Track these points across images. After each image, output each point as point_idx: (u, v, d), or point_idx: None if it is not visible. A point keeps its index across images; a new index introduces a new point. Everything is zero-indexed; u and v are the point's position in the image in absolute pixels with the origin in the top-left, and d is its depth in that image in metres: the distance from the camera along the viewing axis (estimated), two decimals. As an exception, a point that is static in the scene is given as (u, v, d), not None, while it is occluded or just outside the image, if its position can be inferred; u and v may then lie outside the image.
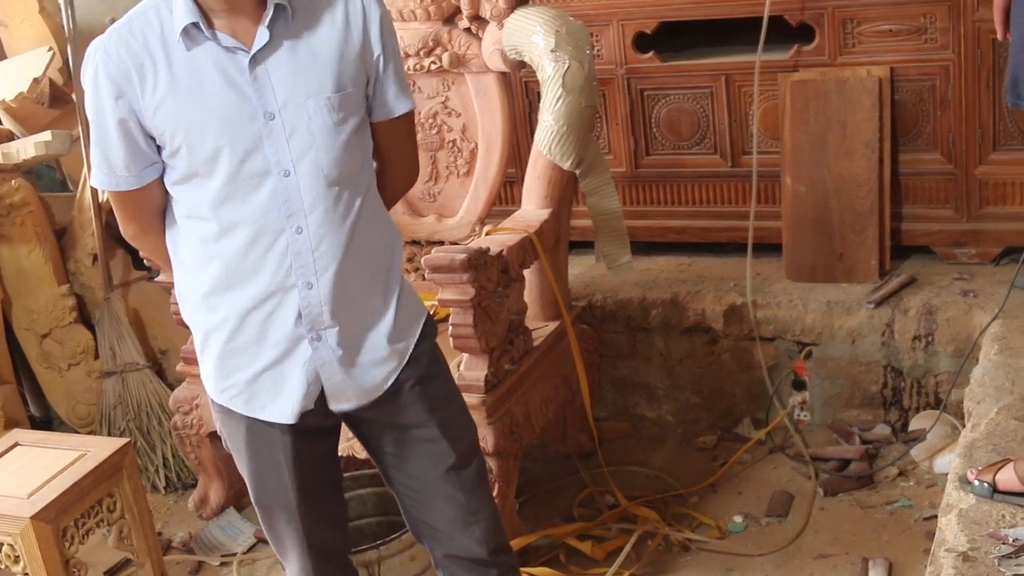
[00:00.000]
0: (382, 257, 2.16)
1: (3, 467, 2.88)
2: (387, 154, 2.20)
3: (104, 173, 2.05)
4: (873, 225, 3.75)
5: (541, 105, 3.35)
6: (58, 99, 4.49)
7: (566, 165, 3.34)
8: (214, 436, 3.50)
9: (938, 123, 3.76)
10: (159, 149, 2.03)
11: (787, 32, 3.83)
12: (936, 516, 2.97)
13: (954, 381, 3.45)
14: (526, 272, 3.28)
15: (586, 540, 3.28)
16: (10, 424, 3.83)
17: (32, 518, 2.63)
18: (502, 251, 3.09)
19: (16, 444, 2.97)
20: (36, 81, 4.13)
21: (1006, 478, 2.43)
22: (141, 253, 2.29)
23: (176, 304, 2.46)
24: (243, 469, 2.25)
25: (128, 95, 1.96)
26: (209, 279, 2.07)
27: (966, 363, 3.39)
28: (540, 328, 3.39)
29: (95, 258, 4.21)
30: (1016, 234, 3.68)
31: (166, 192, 2.09)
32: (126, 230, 2.17)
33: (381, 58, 2.09)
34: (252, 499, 2.28)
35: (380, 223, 2.17)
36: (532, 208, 3.40)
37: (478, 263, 2.94)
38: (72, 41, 4.15)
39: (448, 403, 2.27)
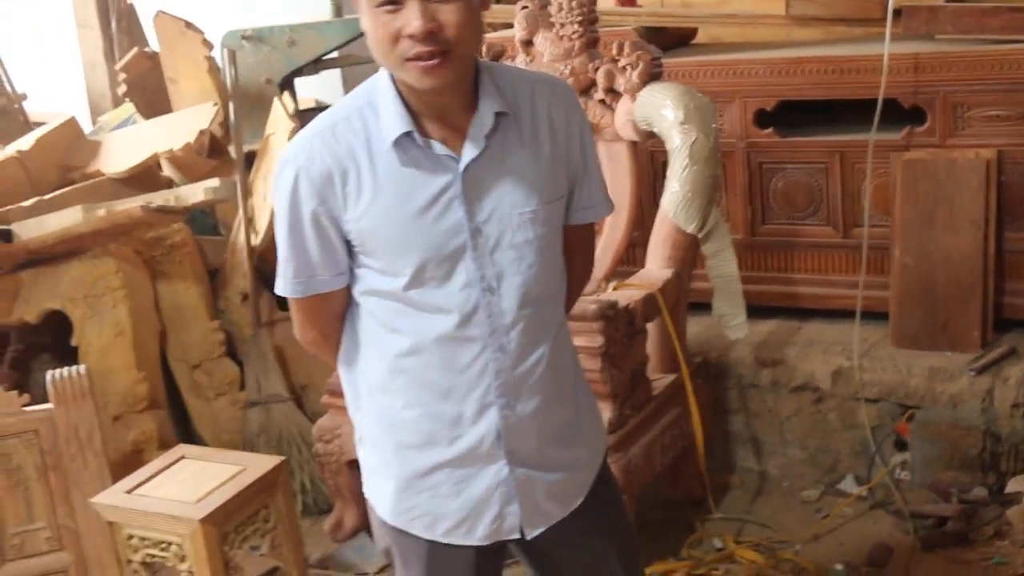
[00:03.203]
0: (573, 366, 2.14)
1: (171, 476, 3.18)
2: (575, 255, 2.15)
3: (294, 279, 1.98)
4: (977, 297, 3.94)
5: (668, 173, 3.63)
6: (215, 151, 4.89)
7: (690, 229, 3.61)
8: (352, 464, 3.77)
9: (1041, 204, 3.97)
10: (352, 256, 1.98)
11: (900, 113, 4.06)
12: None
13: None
14: (649, 326, 3.55)
15: (695, 578, 3.51)
16: (163, 446, 4.17)
17: (201, 521, 2.92)
18: (629, 305, 3.37)
19: (182, 457, 3.28)
20: (202, 133, 4.50)
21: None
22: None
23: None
24: None
25: (329, 201, 1.90)
26: (398, 393, 2.01)
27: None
28: (659, 380, 3.66)
29: (244, 297, 4.55)
30: (1114, 312, 3.87)
31: (350, 302, 2.04)
32: (305, 335, 2.11)
33: (584, 167, 2.06)
34: None
35: (568, 331, 2.13)
36: (656, 268, 3.67)
37: (608, 314, 3.23)
38: (234, 98, 4.55)
39: (624, 524, 2.30)
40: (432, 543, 2.10)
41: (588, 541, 2.17)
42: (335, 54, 5.39)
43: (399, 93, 1.89)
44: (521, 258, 1.95)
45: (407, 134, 1.87)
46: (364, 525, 3.93)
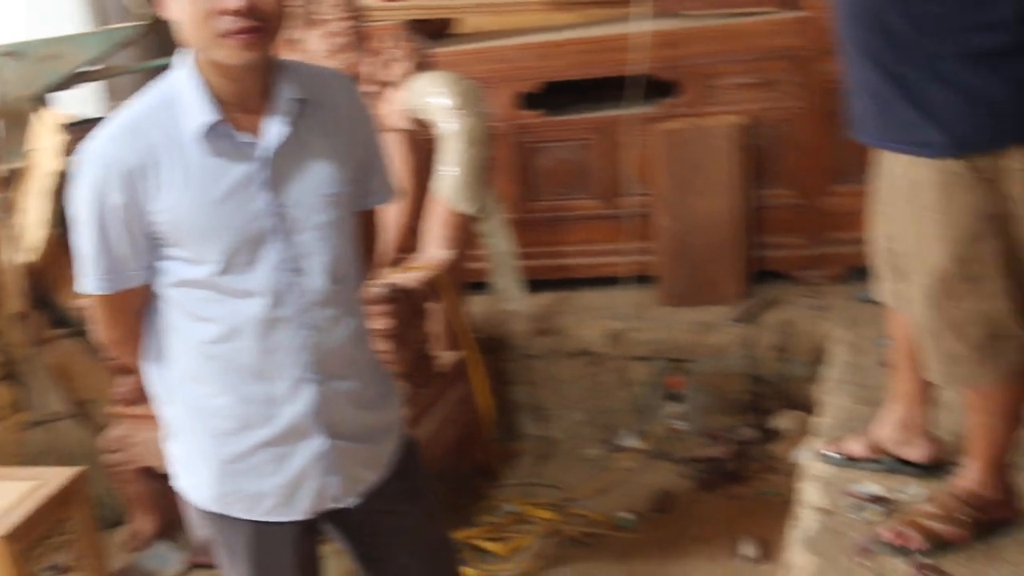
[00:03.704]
0: (368, 342, 2.20)
1: (-35, 496, 3.12)
2: (365, 239, 2.21)
3: (103, 277, 1.98)
4: (733, 254, 4.22)
5: (441, 158, 3.75)
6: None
7: (468, 210, 3.74)
8: (145, 471, 3.79)
9: (789, 162, 4.27)
10: (156, 249, 1.98)
11: (659, 87, 4.30)
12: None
13: (810, 382, 3.93)
14: (432, 306, 3.66)
15: (491, 542, 3.64)
16: (-56, 474, 4.05)
17: (2, 538, 2.87)
18: (413, 286, 3.47)
19: (-35, 477, 3.21)
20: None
21: (853, 447, 2.88)
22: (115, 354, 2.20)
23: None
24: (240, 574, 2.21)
25: (137, 194, 1.91)
26: (209, 380, 2.04)
27: (817, 367, 3.87)
28: (444, 357, 3.78)
29: (20, 317, 4.45)
30: (857, 256, 4.10)
31: (151, 297, 2.05)
32: (111, 334, 2.11)
33: (373, 153, 2.14)
34: None
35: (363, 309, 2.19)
36: (435, 249, 3.79)
37: (395, 296, 3.32)
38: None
39: (431, 486, 2.37)
40: (254, 523, 2.12)
41: (399, 506, 2.24)
42: (98, 66, 5.28)
43: (203, 82, 1.91)
44: (324, 239, 2.00)
45: (212, 125, 1.90)
46: (161, 532, 3.92)
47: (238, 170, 1.93)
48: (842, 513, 2.70)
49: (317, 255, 2.00)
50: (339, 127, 2.04)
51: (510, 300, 4.00)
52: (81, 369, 4.47)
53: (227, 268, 1.95)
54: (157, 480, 3.82)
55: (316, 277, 2.00)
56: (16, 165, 4.67)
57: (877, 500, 2.71)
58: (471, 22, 4.96)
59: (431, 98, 3.72)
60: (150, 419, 3.66)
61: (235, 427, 2.06)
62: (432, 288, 3.62)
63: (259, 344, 2.00)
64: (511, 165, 4.52)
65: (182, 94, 1.93)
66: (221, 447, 2.08)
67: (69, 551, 3.14)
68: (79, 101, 5.71)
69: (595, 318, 4.28)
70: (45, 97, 5.01)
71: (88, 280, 2.01)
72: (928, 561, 2.46)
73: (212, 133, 1.91)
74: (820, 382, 3.64)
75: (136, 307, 2.06)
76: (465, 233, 3.84)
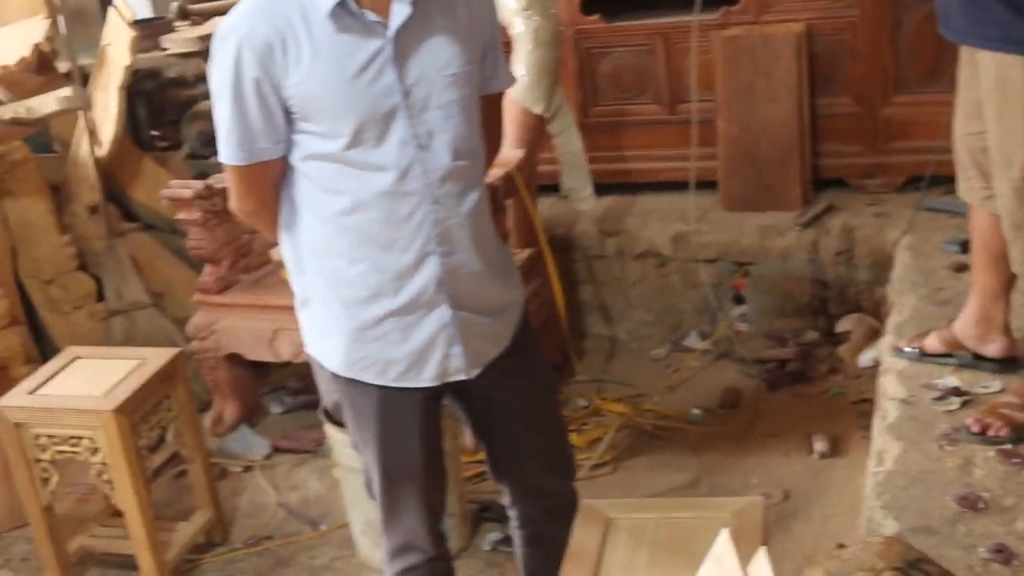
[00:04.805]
0: (491, 220, 2.27)
1: (70, 375, 3.24)
2: (485, 124, 2.24)
3: (238, 148, 2.07)
4: (796, 160, 4.30)
5: (512, 58, 3.82)
6: (42, 66, 4.81)
7: (538, 110, 3.83)
8: (230, 358, 3.92)
9: (848, 71, 4.34)
10: (291, 123, 2.07)
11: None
12: (863, 400, 3.58)
13: (873, 287, 4.05)
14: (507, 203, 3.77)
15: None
16: (28, 362, 4.18)
17: (113, 412, 3.00)
18: (492, 183, 3.56)
19: (76, 358, 3.34)
20: (36, 47, 4.43)
21: (931, 343, 3.00)
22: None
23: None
24: (369, 439, 2.30)
25: (271, 69, 1.99)
26: (342, 251, 2.13)
27: (881, 272, 3.98)
28: (518, 254, 3.88)
29: (91, 210, 4.55)
30: (917, 165, 4.21)
31: (287, 169, 2.14)
32: (244, 206, 2.21)
33: (493, 37, 2.21)
34: (375, 468, 2.32)
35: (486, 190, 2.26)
36: (508, 149, 3.87)
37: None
38: (65, 10, 4.49)
39: (546, 363, 2.52)
40: (383, 389, 2.22)
41: (516, 381, 2.33)
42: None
43: None
44: (448, 116, 2.08)
45: (341, 3, 1.97)
46: (244, 418, 4.06)
47: (367, 48, 2.01)
48: (923, 404, 2.83)
49: (442, 132, 2.08)
50: (464, 10, 2.11)
51: (580, 200, 4.10)
52: (154, 261, 4.59)
53: (356, 143, 2.04)
54: (240, 366, 3.97)
55: (441, 154, 2.08)
56: (84, 61, 4.76)
57: (957, 392, 2.84)
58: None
59: (501, -1, 3.78)
60: (234, 307, 3.83)
61: (366, 296, 2.16)
62: (508, 185, 3.71)
63: (387, 216, 2.09)
64: (572, 69, 4.58)
65: None
66: (353, 315, 2.18)
67: (172, 427, 3.29)
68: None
69: (659, 221, 4.38)
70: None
71: (224, 151, 2.11)
72: (1010, 447, 2.59)
73: (341, 11, 1.98)
74: (889, 284, 3.75)
75: (271, 179, 2.16)
76: (536, 133, 3.93)
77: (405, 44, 2.03)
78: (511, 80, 2.35)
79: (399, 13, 2.02)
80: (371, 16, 2.01)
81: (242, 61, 2.00)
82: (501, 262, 2.30)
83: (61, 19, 4.52)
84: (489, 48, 2.21)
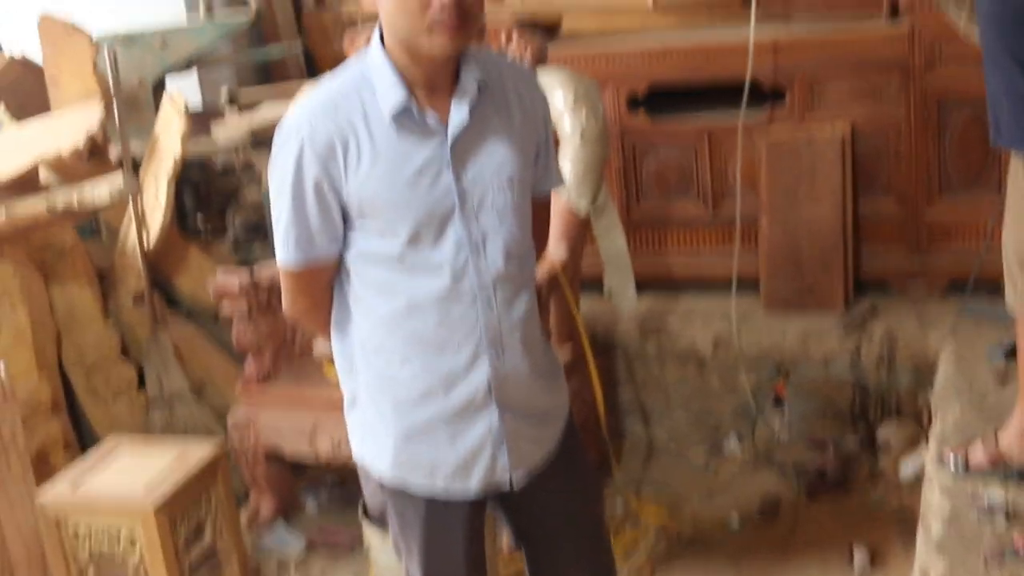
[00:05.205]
0: (539, 322, 2.29)
1: (110, 466, 3.26)
2: (535, 226, 2.28)
3: (296, 248, 2.10)
4: (839, 262, 4.29)
5: (560, 155, 3.84)
6: (93, 152, 4.88)
7: (582, 207, 3.84)
8: (269, 452, 3.92)
9: (892, 173, 4.34)
10: (347, 222, 2.11)
11: (761, 95, 4.37)
12: (904, 510, 3.54)
13: (915, 393, 4.01)
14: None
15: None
16: (67, 449, 4.20)
17: (155, 509, 3.01)
18: (537, 282, 3.57)
19: (117, 447, 3.36)
20: (90, 135, 4.49)
21: (975, 455, 2.96)
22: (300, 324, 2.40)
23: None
24: (413, 548, 2.31)
25: (331, 169, 2.03)
26: (394, 351, 2.15)
27: (923, 378, 3.94)
28: (559, 353, 3.87)
29: (136, 298, 4.59)
30: (960, 268, 4.16)
31: (340, 270, 2.17)
32: (296, 306, 2.23)
33: (546, 138, 2.25)
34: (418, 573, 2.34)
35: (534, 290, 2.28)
36: (553, 246, 3.88)
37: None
38: (118, 98, 4.57)
39: (589, 466, 2.49)
40: (429, 500, 2.24)
41: (561, 485, 2.34)
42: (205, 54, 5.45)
43: (393, 66, 2.04)
44: (502, 219, 2.12)
45: (402, 106, 2.02)
46: (280, 513, 4.05)
47: (425, 150, 2.05)
48: (968, 520, 2.78)
49: (496, 235, 2.11)
50: (519, 113, 2.16)
51: (622, 300, 4.10)
52: (196, 350, 4.62)
53: (412, 244, 2.08)
54: (279, 461, 3.96)
55: (494, 256, 2.11)
56: (136, 147, 4.83)
57: (1003, 509, 2.79)
58: (568, 25, 5.04)
59: (551, 94, 3.82)
60: (275, 400, 3.83)
61: (416, 397, 2.18)
62: (552, 284, 3.72)
63: (439, 318, 2.11)
64: (617, 167, 4.60)
65: (374, 76, 2.06)
66: (402, 416, 2.19)
67: (210, 521, 3.28)
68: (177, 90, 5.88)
69: (701, 321, 4.37)
70: (157, 83, 5.18)
71: (281, 251, 2.13)
72: (1060, 571, 2.55)
73: (402, 114, 2.03)
74: (932, 391, 3.72)
75: (325, 280, 2.19)
76: (580, 231, 3.94)
77: (462, 147, 2.08)
78: (561, 180, 2.38)
79: (458, 116, 2.06)
80: (431, 119, 2.06)
81: (303, 162, 2.04)
82: (548, 365, 2.32)
83: (114, 105, 4.59)
84: (542, 149, 2.25)
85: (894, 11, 4.23)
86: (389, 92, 2.03)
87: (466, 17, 1.98)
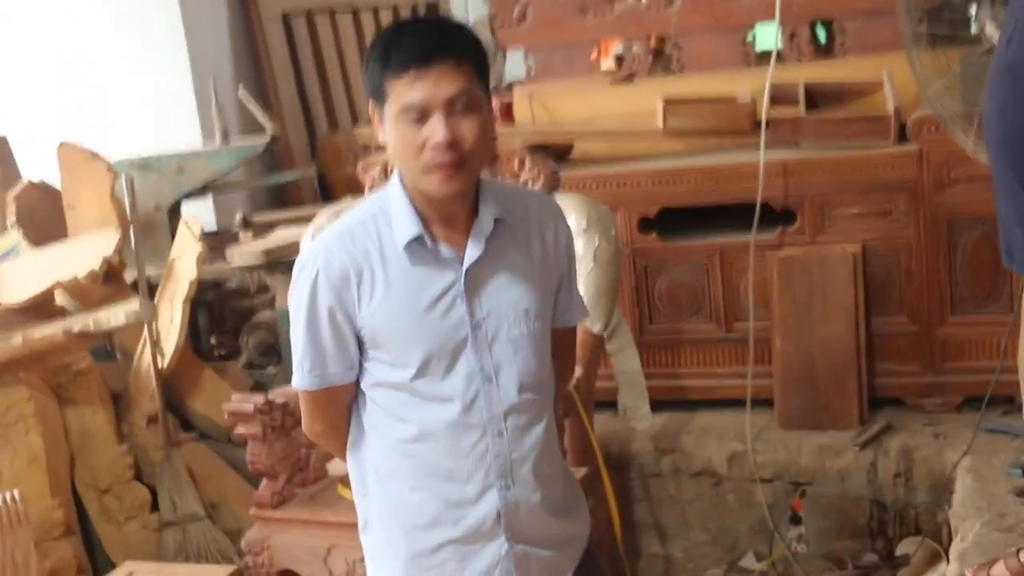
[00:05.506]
0: (559, 449, 2.29)
1: (124, 593, 3.25)
2: (557, 354, 2.27)
3: (310, 373, 2.13)
4: (853, 379, 4.29)
5: (573, 277, 3.89)
6: (109, 277, 4.94)
7: (596, 328, 3.87)
8: (283, 574, 3.88)
9: (904, 291, 4.37)
10: (362, 351, 2.12)
11: (771, 216, 4.43)
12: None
13: (933, 510, 3.99)
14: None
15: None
16: (80, 572, 4.17)
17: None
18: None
19: (131, 573, 3.34)
20: (106, 261, 4.56)
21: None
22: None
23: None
24: None
25: (345, 299, 2.05)
26: (405, 476, 2.14)
27: (941, 494, 3.92)
28: (575, 472, 3.86)
29: (149, 420, 4.61)
30: (975, 385, 4.18)
31: (357, 393, 2.18)
32: (314, 427, 2.24)
33: (570, 269, 2.24)
34: None
35: (554, 419, 2.26)
36: (567, 367, 3.91)
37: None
38: (133, 223, 4.64)
39: None
40: None
41: None
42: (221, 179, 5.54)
43: (410, 200, 2.07)
44: (517, 351, 2.10)
45: (417, 238, 2.05)
46: (293, 637, 3.99)
47: (439, 281, 2.06)
48: (993, 644, 2.75)
49: (510, 366, 2.10)
50: (540, 247, 2.16)
51: (637, 418, 4.11)
52: (209, 472, 4.62)
53: (423, 373, 2.08)
54: (293, 583, 3.92)
55: (507, 387, 2.10)
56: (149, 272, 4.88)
57: (1027, 629, 2.76)
58: (579, 149, 5.12)
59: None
60: (289, 522, 3.80)
61: (426, 523, 2.16)
62: (567, 404, 3.73)
63: (450, 447, 2.10)
64: (629, 287, 4.63)
65: (391, 208, 2.09)
66: (412, 542, 2.18)
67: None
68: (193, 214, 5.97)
69: (716, 439, 4.36)
70: (181, 208, 5.27)
71: (297, 375, 2.16)
72: None
73: (416, 244, 2.05)
74: (950, 509, 3.69)
75: (341, 403, 2.20)
76: (595, 351, 3.96)
77: (477, 278, 2.08)
78: (585, 313, 2.36)
79: (472, 250, 2.07)
80: (445, 251, 2.07)
81: (318, 289, 2.07)
82: (565, 494, 2.28)
83: (131, 230, 4.66)
84: (564, 280, 2.24)
85: (902, 136, 4.30)
86: (404, 225, 2.06)
87: (462, 157, 1.99)
